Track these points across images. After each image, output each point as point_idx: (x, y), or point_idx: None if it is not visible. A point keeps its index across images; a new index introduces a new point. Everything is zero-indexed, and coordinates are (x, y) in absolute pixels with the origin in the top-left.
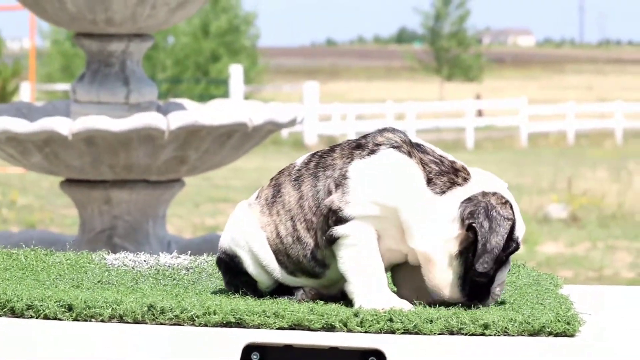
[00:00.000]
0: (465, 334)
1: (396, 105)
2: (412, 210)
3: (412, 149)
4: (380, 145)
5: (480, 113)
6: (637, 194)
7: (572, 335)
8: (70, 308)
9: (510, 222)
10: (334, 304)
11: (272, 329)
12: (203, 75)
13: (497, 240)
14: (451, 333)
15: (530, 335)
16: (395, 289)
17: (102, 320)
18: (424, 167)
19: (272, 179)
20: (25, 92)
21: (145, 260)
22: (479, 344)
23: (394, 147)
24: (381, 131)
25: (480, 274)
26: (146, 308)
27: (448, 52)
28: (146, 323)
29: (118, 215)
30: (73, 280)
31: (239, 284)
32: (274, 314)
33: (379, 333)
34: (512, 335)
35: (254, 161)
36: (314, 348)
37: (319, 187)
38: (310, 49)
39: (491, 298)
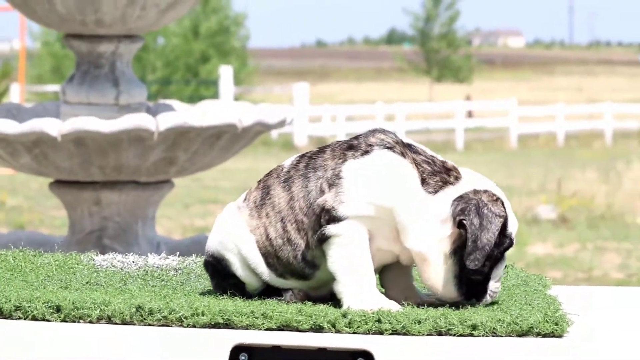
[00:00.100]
0: (454, 335)
1: (386, 107)
2: (408, 210)
3: (405, 149)
4: (373, 146)
5: (470, 114)
6: (626, 195)
7: (560, 336)
8: (58, 309)
9: (501, 219)
10: (322, 305)
11: (260, 329)
12: (193, 76)
13: (488, 237)
14: (439, 334)
15: (519, 335)
16: (384, 290)
17: (91, 322)
18: (417, 167)
19: (260, 181)
20: (15, 94)
21: (133, 261)
22: (467, 345)
23: (387, 148)
24: (372, 132)
25: (473, 272)
26: (134, 309)
27: (438, 53)
28: (134, 324)
29: (107, 217)
30: (61, 281)
31: (227, 286)
32: (262, 314)
33: (367, 334)
34: (501, 336)
35: (243, 162)
36: (302, 349)
37: (310, 188)
38: (300, 50)
39: (489, 296)
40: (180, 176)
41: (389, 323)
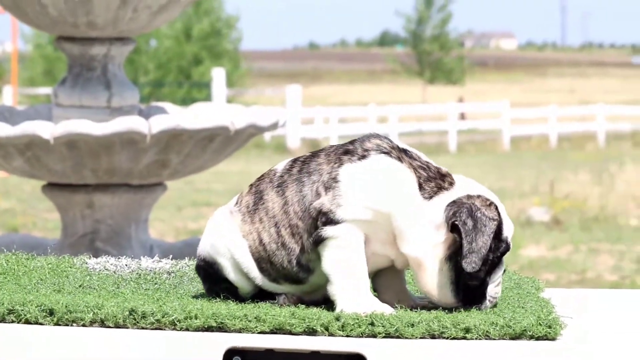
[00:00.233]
0: (447, 338)
1: (379, 109)
2: (405, 215)
3: (401, 154)
4: (369, 150)
5: (462, 116)
6: (619, 196)
7: (553, 339)
8: (51, 312)
9: (495, 222)
10: (315, 308)
11: (253, 333)
12: (185, 78)
13: (483, 240)
14: (432, 337)
15: (512, 338)
16: (377, 294)
17: (84, 325)
18: (414, 172)
19: (251, 185)
20: (8, 96)
21: (126, 265)
22: (460, 348)
23: (384, 153)
24: (368, 137)
25: (470, 277)
26: (127, 312)
27: (430, 55)
28: (128, 327)
29: (100, 219)
30: (54, 284)
31: (219, 290)
32: (255, 318)
33: (360, 337)
34: (494, 339)
35: (236, 165)
36: (296, 352)
37: (305, 192)
38: (292, 52)
39: (488, 301)
40: (172, 179)
41: (382, 326)
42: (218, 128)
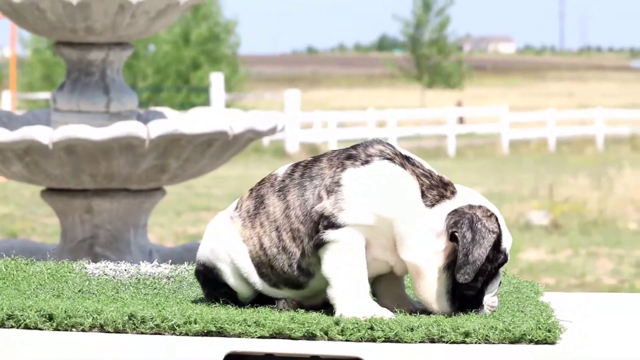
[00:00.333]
0: (446, 342)
1: (377, 113)
2: (407, 222)
3: (404, 161)
4: (372, 156)
5: (461, 120)
6: (618, 200)
7: (553, 343)
8: (50, 318)
9: (494, 235)
10: (314, 313)
11: (253, 337)
12: (184, 83)
13: (480, 253)
14: (432, 341)
15: (511, 343)
16: (376, 299)
17: (83, 330)
18: (417, 179)
19: (251, 190)
20: (6, 101)
21: (125, 270)
22: (460, 352)
23: (387, 159)
24: (370, 143)
25: (466, 286)
26: (127, 317)
27: (429, 60)
28: (127, 332)
29: (99, 224)
30: (54, 289)
31: (219, 295)
32: (255, 322)
33: (360, 341)
34: (493, 343)
35: (235, 169)
36: (295, 357)
37: (307, 197)
38: (291, 57)
39: (487, 310)
40: (171, 184)
41: (382, 330)
42: (217, 133)
